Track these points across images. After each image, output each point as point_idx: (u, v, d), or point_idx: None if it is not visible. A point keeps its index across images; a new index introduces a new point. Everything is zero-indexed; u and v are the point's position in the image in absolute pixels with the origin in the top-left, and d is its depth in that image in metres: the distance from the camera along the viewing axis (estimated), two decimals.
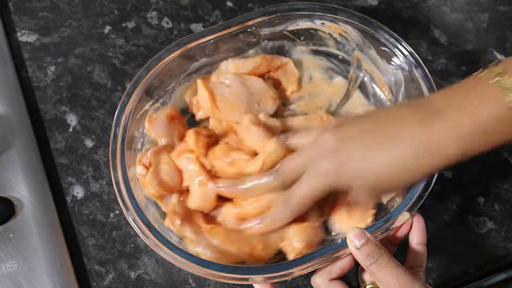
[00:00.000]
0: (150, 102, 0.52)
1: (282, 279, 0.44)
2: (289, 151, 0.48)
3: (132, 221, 0.45)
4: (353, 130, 0.44)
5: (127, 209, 0.45)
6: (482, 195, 0.58)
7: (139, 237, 0.53)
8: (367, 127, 0.44)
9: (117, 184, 0.46)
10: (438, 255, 0.52)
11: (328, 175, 0.44)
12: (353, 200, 0.46)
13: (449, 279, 0.54)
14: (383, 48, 0.54)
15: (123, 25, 0.63)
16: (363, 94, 0.58)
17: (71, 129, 0.58)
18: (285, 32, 0.56)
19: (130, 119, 0.49)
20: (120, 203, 0.46)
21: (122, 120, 0.49)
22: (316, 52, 0.59)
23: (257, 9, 0.65)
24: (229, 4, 0.65)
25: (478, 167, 0.59)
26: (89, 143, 0.57)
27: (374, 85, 0.57)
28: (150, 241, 0.44)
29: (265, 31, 0.55)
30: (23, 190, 0.52)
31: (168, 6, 0.64)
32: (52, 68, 0.60)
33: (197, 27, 0.64)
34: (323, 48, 0.58)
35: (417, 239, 0.46)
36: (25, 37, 0.61)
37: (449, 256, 0.55)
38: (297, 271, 0.44)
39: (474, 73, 0.42)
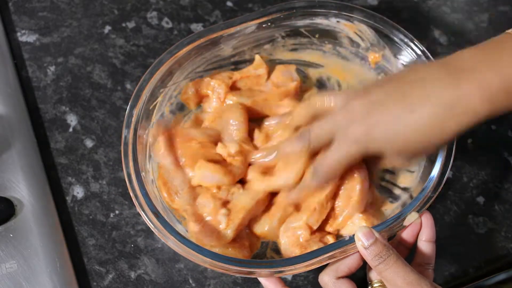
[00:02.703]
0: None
1: (288, 273, 0.44)
2: (317, 117, 0.48)
3: (141, 209, 0.45)
4: (380, 94, 0.44)
5: (137, 197, 0.46)
6: (482, 195, 0.58)
7: (139, 237, 0.54)
8: (394, 90, 0.43)
9: (128, 173, 0.47)
10: (438, 255, 0.51)
11: (358, 140, 0.43)
12: (384, 165, 0.46)
13: (449, 279, 0.54)
14: (397, 47, 0.54)
15: (123, 25, 0.63)
16: None
17: (71, 129, 0.58)
18: (300, 29, 0.57)
19: (143, 106, 0.50)
20: (130, 191, 0.46)
21: (135, 110, 0.49)
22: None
23: (257, 9, 0.65)
24: (229, 4, 0.65)
25: (478, 167, 0.59)
26: (89, 143, 0.57)
27: None
28: (157, 229, 0.45)
29: (280, 28, 0.56)
30: (23, 190, 0.52)
31: (168, 6, 0.64)
32: (52, 68, 0.60)
33: (197, 27, 0.64)
34: (338, 47, 0.58)
35: (425, 236, 0.46)
36: (25, 37, 0.61)
37: (449, 256, 0.55)
38: (303, 267, 0.44)
39: (506, 31, 0.41)
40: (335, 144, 0.45)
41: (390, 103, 0.43)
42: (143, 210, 0.45)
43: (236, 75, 0.56)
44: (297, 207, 0.50)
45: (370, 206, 0.51)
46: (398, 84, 0.43)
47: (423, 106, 0.41)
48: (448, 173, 0.47)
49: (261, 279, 0.46)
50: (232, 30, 0.53)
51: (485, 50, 0.41)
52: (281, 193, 0.51)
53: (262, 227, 0.50)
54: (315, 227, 0.49)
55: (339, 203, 0.50)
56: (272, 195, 0.51)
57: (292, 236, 0.49)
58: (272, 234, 0.50)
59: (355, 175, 0.49)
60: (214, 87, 0.54)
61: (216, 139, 0.53)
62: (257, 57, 0.57)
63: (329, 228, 0.50)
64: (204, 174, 0.50)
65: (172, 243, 0.44)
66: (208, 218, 0.48)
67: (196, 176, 0.50)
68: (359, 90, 0.45)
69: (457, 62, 0.42)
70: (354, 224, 0.50)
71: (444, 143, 0.45)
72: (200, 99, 0.56)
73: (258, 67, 0.56)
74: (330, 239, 0.49)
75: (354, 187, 0.49)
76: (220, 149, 0.51)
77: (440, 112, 0.41)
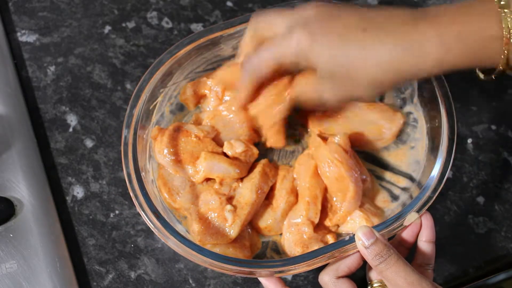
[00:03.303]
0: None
1: (289, 273, 0.44)
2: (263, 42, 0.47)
3: (140, 209, 0.45)
4: (339, 26, 0.42)
5: (137, 197, 0.46)
6: (482, 195, 0.58)
7: (139, 237, 0.54)
8: (356, 24, 0.42)
9: (128, 173, 0.47)
10: (438, 255, 0.51)
11: (300, 45, 0.42)
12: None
13: (449, 279, 0.54)
14: None
15: (123, 25, 0.63)
16: None
17: (71, 129, 0.58)
18: None
19: (143, 106, 0.50)
20: (130, 191, 0.46)
21: (135, 110, 0.49)
22: None
23: (257, 9, 0.65)
24: (229, 4, 0.65)
25: (478, 167, 0.59)
26: (89, 143, 0.57)
27: None
28: (157, 229, 0.45)
29: None
30: (23, 190, 0.52)
31: (168, 6, 0.64)
32: (52, 68, 0.60)
33: (197, 27, 0.64)
34: None
35: (426, 236, 0.46)
36: (25, 37, 0.61)
37: (449, 256, 0.55)
38: (304, 266, 0.44)
39: None
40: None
41: (348, 36, 0.42)
42: (143, 210, 0.45)
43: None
44: (295, 196, 0.51)
45: (370, 204, 0.52)
46: (361, 20, 0.42)
47: (377, 44, 0.41)
48: (448, 173, 0.47)
49: (261, 279, 0.46)
50: (232, 30, 0.53)
51: (457, 6, 0.41)
52: (277, 184, 0.52)
53: (266, 221, 0.50)
54: (316, 221, 0.50)
55: (335, 197, 0.51)
56: (270, 191, 0.52)
57: (296, 233, 0.49)
58: (276, 228, 0.51)
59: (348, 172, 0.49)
60: (211, 86, 0.54)
61: (216, 136, 0.53)
62: None
63: (328, 222, 0.51)
64: (211, 165, 0.50)
65: (172, 243, 0.44)
66: (213, 216, 0.48)
67: (202, 169, 0.50)
68: (317, 14, 0.44)
69: (429, 11, 0.42)
70: (354, 221, 0.50)
71: (399, 81, 0.44)
72: (199, 99, 0.56)
73: None
74: (330, 239, 0.49)
75: (347, 184, 0.49)
76: (226, 148, 0.51)
77: (393, 53, 0.40)
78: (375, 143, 0.54)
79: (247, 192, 0.50)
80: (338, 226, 0.51)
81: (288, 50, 0.43)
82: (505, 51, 0.39)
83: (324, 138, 0.52)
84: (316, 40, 0.42)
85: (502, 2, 0.39)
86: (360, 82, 0.43)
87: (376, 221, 0.49)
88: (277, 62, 0.45)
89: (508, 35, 0.39)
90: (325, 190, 0.51)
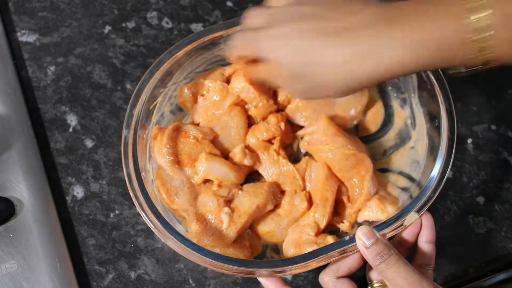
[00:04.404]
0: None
1: (288, 273, 0.44)
2: None
3: (140, 209, 0.45)
4: (313, 23, 0.42)
5: (137, 197, 0.46)
6: (482, 195, 0.58)
7: (139, 237, 0.54)
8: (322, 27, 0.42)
9: (128, 173, 0.47)
10: (438, 255, 0.51)
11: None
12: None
13: (449, 279, 0.54)
14: None
15: (123, 25, 0.63)
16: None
17: (71, 129, 0.58)
18: None
19: (143, 106, 0.50)
20: (130, 191, 0.46)
21: (135, 110, 0.49)
22: None
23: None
24: (229, 4, 0.65)
25: (478, 167, 0.59)
26: (89, 143, 0.57)
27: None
28: (157, 229, 0.45)
29: None
30: (23, 190, 0.52)
31: (168, 6, 0.64)
32: (52, 68, 0.60)
33: (197, 27, 0.64)
34: None
35: (426, 237, 0.46)
36: (25, 37, 0.61)
37: (449, 256, 0.55)
38: (303, 267, 0.44)
39: None
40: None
41: (309, 42, 0.41)
42: (143, 210, 0.45)
43: (228, 70, 0.55)
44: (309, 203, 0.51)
45: (384, 191, 0.52)
46: (325, 22, 0.42)
47: (341, 43, 0.40)
48: (448, 173, 0.47)
49: (261, 279, 0.46)
50: (232, 30, 0.53)
51: (418, 3, 0.40)
52: (284, 198, 0.52)
53: (268, 226, 0.51)
54: (322, 224, 0.49)
55: (355, 179, 0.51)
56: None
57: (297, 232, 0.50)
58: (278, 235, 0.51)
59: (362, 163, 0.50)
60: (209, 87, 0.54)
61: (214, 139, 0.53)
62: None
63: (349, 209, 0.51)
64: (211, 166, 0.50)
65: (172, 243, 0.44)
66: (210, 217, 0.48)
67: (202, 169, 0.50)
68: (283, 13, 0.43)
69: (389, 11, 0.40)
70: (371, 209, 0.50)
71: (362, 85, 0.42)
72: (196, 100, 0.55)
73: None
74: (330, 239, 0.49)
75: (361, 158, 0.50)
76: (232, 155, 0.52)
77: (356, 51, 0.39)
78: (346, 122, 0.56)
79: (247, 203, 0.49)
80: (357, 214, 0.51)
81: (253, 51, 0.44)
82: (473, 52, 0.38)
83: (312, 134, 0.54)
84: (279, 48, 0.42)
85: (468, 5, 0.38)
86: (324, 86, 0.42)
87: (391, 210, 0.50)
88: (243, 55, 0.46)
89: (475, 35, 0.37)
90: (338, 191, 0.51)
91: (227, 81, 0.55)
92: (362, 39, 0.39)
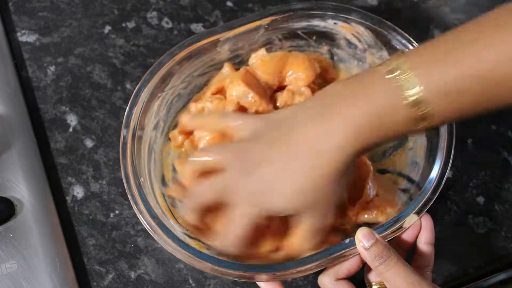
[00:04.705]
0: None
1: (289, 277, 0.44)
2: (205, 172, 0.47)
3: (139, 214, 0.45)
4: (266, 138, 0.44)
5: (135, 202, 0.46)
6: (482, 195, 0.58)
7: (139, 237, 0.54)
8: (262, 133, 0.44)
9: (126, 175, 0.46)
10: (438, 255, 0.51)
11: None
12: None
13: (449, 279, 0.54)
14: (395, 48, 0.54)
15: (123, 25, 0.63)
16: None
17: (71, 129, 0.58)
18: (297, 32, 0.57)
19: (143, 107, 0.50)
20: (128, 195, 0.46)
21: (133, 114, 0.49)
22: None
23: (257, 9, 0.65)
24: (229, 4, 0.65)
25: (478, 167, 0.59)
26: (89, 143, 0.57)
27: None
28: (156, 234, 0.45)
29: (277, 30, 0.56)
30: (23, 190, 0.52)
31: (168, 6, 0.64)
32: (52, 68, 0.60)
33: (197, 27, 0.64)
34: (335, 49, 0.58)
35: (425, 238, 0.46)
36: (25, 37, 0.61)
37: (449, 256, 0.55)
38: (304, 270, 0.44)
39: (376, 66, 0.42)
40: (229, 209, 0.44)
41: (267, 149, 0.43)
42: (140, 212, 0.45)
43: (214, 86, 0.55)
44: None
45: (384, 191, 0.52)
46: (270, 126, 0.44)
47: (287, 148, 0.42)
48: (448, 174, 0.47)
49: (259, 282, 0.46)
50: (233, 32, 0.53)
51: (352, 85, 0.42)
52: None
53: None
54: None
55: (351, 193, 0.50)
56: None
57: None
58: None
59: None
60: (208, 107, 0.53)
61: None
62: (225, 65, 0.56)
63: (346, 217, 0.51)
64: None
65: (171, 248, 0.44)
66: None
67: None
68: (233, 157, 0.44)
69: (326, 98, 0.42)
70: (371, 211, 0.50)
71: (317, 187, 0.43)
72: (188, 136, 0.54)
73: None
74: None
75: (361, 176, 0.50)
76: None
77: (303, 154, 0.41)
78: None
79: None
80: (356, 217, 0.51)
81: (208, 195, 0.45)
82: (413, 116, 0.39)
83: None
84: (236, 190, 0.43)
85: (389, 75, 0.39)
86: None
87: (390, 211, 0.49)
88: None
89: (409, 100, 0.38)
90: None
91: (221, 92, 0.55)
92: (306, 140, 0.42)
